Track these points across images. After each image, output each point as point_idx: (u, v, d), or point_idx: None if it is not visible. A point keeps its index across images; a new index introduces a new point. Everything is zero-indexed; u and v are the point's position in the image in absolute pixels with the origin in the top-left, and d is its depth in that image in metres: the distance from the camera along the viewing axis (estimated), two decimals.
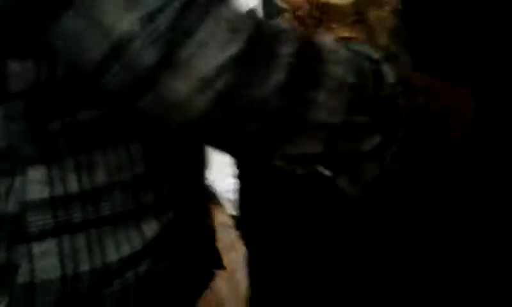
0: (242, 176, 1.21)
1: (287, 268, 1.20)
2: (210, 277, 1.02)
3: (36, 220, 0.85)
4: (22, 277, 0.85)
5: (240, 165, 1.20)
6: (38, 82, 0.81)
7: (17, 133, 0.84)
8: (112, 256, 0.88)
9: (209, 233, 1.03)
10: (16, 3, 0.78)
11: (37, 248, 0.85)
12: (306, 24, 1.00)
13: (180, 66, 0.76)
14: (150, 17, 0.75)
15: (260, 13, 1.19)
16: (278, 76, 0.78)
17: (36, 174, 0.85)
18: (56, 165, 0.85)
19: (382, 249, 1.13)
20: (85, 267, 0.87)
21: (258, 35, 0.79)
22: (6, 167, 0.85)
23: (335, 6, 1.01)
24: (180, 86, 0.76)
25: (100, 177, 0.87)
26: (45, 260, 0.86)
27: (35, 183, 0.85)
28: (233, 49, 0.76)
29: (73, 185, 0.86)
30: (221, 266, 1.04)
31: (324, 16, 1.01)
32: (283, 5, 1.04)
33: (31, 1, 0.77)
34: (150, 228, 0.89)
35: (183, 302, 0.96)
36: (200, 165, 1.00)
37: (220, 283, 1.13)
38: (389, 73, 0.87)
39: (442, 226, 1.11)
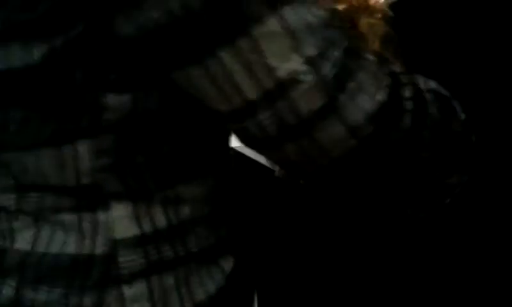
0: None
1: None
2: None
3: (128, 261, 0.83)
4: None
5: None
6: (133, 114, 0.80)
7: (103, 169, 0.82)
8: (200, 295, 0.86)
9: None
10: (158, 44, 0.76)
11: (128, 291, 0.82)
12: None
13: (336, 112, 0.78)
14: (316, 62, 0.76)
15: None
16: (406, 120, 0.82)
17: (121, 210, 0.83)
18: (142, 201, 0.83)
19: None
20: None
21: (393, 81, 0.82)
22: (87, 202, 0.83)
23: None
24: (333, 132, 0.78)
25: (185, 212, 0.86)
26: (137, 304, 0.83)
27: (122, 220, 0.83)
28: (379, 97, 0.79)
29: (161, 221, 0.84)
30: None
31: None
32: None
33: (176, 42, 0.76)
34: (227, 263, 0.89)
35: None
36: None
37: None
38: (460, 110, 0.90)
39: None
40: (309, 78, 0.76)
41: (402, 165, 0.84)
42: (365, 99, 0.78)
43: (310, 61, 0.76)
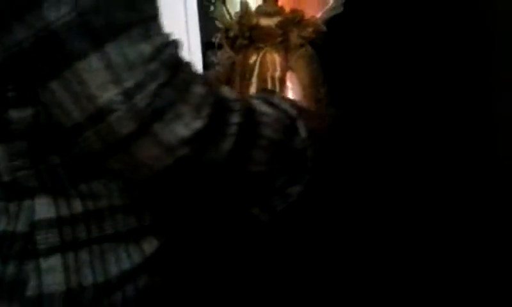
0: None
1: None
2: None
3: (44, 238, 0.94)
4: (30, 290, 0.93)
5: None
6: (38, 125, 0.93)
7: (20, 169, 0.94)
8: (113, 270, 0.96)
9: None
10: (12, 66, 0.90)
11: (44, 264, 0.94)
12: (237, 45, 1.10)
13: (151, 136, 0.88)
14: (131, 93, 0.87)
15: (197, 32, 1.29)
16: (228, 142, 0.93)
17: (43, 198, 0.94)
18: (60, 195, 0.94)
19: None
20: (88, 280, 0.95)
21: (217, 110, 0.92)
22: (14, 193, 0.95)
23: (264, 28, 1.10)
24: (150, 151, 0.89)
25: (103, 202, 0.96)
26: (51, 275, 0.94)
27: (43, 205, 0.94)
28: (197, 125, 0.89)
29: (77, 208, 0.95)
30: None
31: (254, 37, 1.11)
32: (219, 25, 1.13)
33: (21, 67, 0.89)
34: (149, 246, 0.99)
35: None
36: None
37: None
38: (302, 129, 1.02)
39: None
40: (123, 107, 0.87)
41: (230, 178, 0.97)
42: (181, 127, 0.88)
43: (126, 93, 0.87)
